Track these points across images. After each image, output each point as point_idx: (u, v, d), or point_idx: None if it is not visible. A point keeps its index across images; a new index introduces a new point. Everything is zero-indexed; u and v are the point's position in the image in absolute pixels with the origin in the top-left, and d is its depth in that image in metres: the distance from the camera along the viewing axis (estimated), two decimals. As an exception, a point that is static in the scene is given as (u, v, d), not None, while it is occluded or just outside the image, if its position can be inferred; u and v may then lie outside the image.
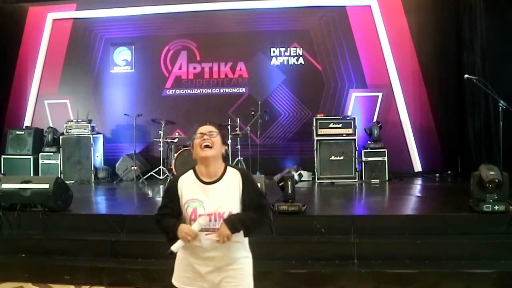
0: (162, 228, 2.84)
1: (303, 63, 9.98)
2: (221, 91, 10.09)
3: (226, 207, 2.75)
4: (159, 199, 7.47)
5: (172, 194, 2.86)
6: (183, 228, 2.69)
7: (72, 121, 9.61)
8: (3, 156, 9.55)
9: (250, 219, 2.78)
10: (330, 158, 8.73)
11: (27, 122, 10.61)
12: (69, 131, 9.48)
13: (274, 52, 10.04)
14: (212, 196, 2.78)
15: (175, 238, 2.72)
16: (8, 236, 5.75)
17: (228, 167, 2.89)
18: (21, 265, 5.25)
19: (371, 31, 9.73)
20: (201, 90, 10.14)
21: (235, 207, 2.78)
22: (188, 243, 2.69)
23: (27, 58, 10.76)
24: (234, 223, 2.70)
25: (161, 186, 8.52)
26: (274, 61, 10.01)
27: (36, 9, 10.80)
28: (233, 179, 2.84)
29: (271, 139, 9.81)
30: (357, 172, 8.73)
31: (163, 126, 9.12)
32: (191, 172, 2.87)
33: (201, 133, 2.82)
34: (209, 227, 2.72)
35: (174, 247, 2.69)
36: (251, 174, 3.03)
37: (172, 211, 2.84)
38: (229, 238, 2.68)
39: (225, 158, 2.94)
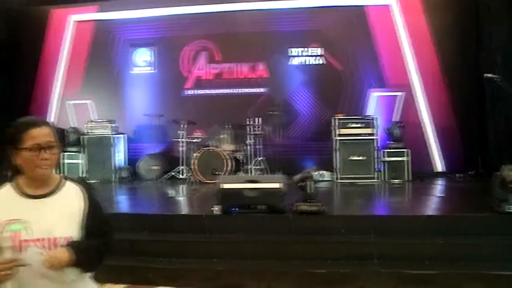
0: None
1: (322, 63, 9.95)
2: (241, 91, 10.10)
3: (61, 230, 2.04)
4: (179, 198, 7.56)
5: None
6: None
7: (94, 121, 9.76)
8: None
9: (96, 252, 2.13)
10: (350, 158, 8.69)
11: (49, 122, 10.74)
12: (91, 131, 9.62)
13: (293, 52, 10.03)
14: (42, 214, 2.03)
15: None
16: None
17: (64, 180, 2.18)
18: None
19: (390, 31, 9.67)
20: (220, 90, 10.16)
21: (74, 232, 2.07)
22: (9, 277, 1.92)
23: (49, 60, 10.91)
24: (78, 254, 2.01)
25: (182, 186, 8.59)
26: (293, 61, 10.01)
27: (58, 11, 10.95)
28: (72, 196, 2.14)
29: (290, 139, 9.78)
30: (377, 172, 8.68)
31: (183, 126, 9.19)
32: (7, 186, 2.10)
33: (37, 144, 2.02)
34: (35, 259, 1.97)
35: None
36: (97, 192, 2.29)
37: None
38: (61, 265, 1.96)
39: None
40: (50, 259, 1.94)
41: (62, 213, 2.07)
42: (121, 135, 9.95)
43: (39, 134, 2.04)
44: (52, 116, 10.81)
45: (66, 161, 9.58)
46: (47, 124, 2.11)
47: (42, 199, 2.07)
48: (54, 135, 2.10)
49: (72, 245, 2.02)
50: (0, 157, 2.16)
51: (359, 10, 9.79)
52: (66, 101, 10.81)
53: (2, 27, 10.74)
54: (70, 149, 9.63)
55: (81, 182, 2.24)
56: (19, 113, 9.29)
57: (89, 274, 2.18)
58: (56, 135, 2.13)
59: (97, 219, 2.16)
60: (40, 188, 2.08)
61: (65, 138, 9.78)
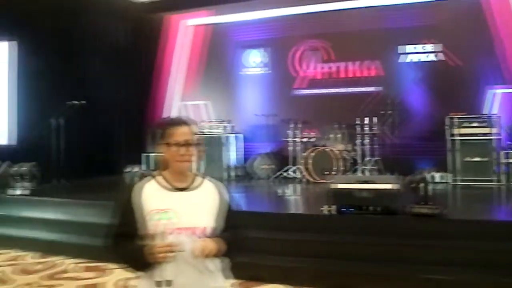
0: (122, 256, 2.27)
1: (436, 59, 9.58)
2: (352, 90, 10.01)
3: (203, 221, 2.23)
4: (290, 197, 7.66)
5: (125, 208, 2.24)
6: (153, 248, 2.08)
7: (209, 121, 10.16)
8: (145, 155, 10.35)
9: (235, 245, 2.31)
10: (467, 159, 8.30)
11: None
12: (206, 130, 10.01)
13: (406, 49, 9.75)
14: (185, 205, 2.23)
15: (144, 266, 2.15)
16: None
17: (201, 177, 2.38)
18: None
19: (511, 23, 9.07)
20: (332, 89, 10.14)
21: (213, 224, 2.26)
22: (169, 260, 2.09)
23: (170, 63, 11.57)
24: (224, 245, 2.20)
25: (293, 185, 8.70)
26: (406, 58, 9.73)
27: (176, 17, 11.58)
28: (210, 191, 2.34)
29: (404, 138, 9.45)
30: (498, 174, 8.19)
31: (295, 126, 9.30)
32: (150, 179, 2.31)
33: (176, 141, 2.22)
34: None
35: (167, 275, 2.12)
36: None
37: (127, 230, 2.21)
38: (210, 254, 2.15)
39: None
40: (202, 248, 2.13)
41: (202, 206, 2.27)
42: (235, 134, 10.25)
43: (179, 133, 2.24)
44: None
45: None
46: (187, 123, 2.30)
47: (184, 192, 2.28)
48: (193, 133, 2.29)
49: (219, 236, 2.23)
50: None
51: (475, 2, 9.27)
52: (184, 102, 11.38)
53: (122, 34, 11.59)
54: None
55: (217, 180, 2.42)
56: (139, 114, 10.00)
57: (222, 266, 2.33)
58: (197, 133, 2.33)
59: (231, 214, 2.35)
60: (181, 182, 2.29)
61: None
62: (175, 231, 2.16)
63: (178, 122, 2.29)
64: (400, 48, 9.77)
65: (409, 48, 9.73)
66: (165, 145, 2.24)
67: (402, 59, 9.76)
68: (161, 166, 2.33)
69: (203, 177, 2.39)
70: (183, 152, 2.22)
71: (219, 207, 2.31)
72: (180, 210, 2.20)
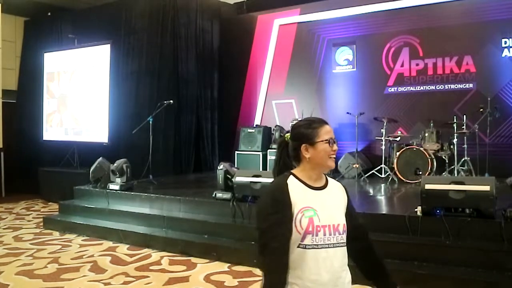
0: (272, 276, 2.16)
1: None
2: (446, 87, 9.58)
3: (339, 218, 2.29)
4: (380, 197, 7.48)
5: (283, 205, 2.21)
6: None
7: (297, 120, 10.14)
8: (236, 152, 10.56)
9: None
10: None
11: (257, 121, 11.54)
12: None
13: (506, 43, 9.18)
14: (323, 204, 2.28)
15: None
16: (240, 224, 6.37)
17: (325, 176, 2.44)
18: (251, 251, 5.69)
19: None
20: (424, 87, 9.77)
21: (345, 221, 2.31)
22: None
23: (257, 63, 11.74)
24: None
25: (383, 185, 8.50)
26: (506, 53, 9.16)
27: (264, 17, 11.70)
28: (338, 190, 2.42)
29: (502, 138, 8.98)
30: None
31: (385, 124, 9.08)
32: (291, 176, 2.32)
33: (330, 138, 2.30)
34: (323, 243, 2.21)
35: None
36: None
37: (287, 230, 2.18)
38: None
39: None
40: None
41: (335, 203, 2.35)
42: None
43: (330, 130, 2.33)
44: (259, 116, 11.57)
45: (270, 157, 10.12)
46: (327, 123, 2.39)
47: (320, 191, 2.33)
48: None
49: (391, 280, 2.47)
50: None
51: None
52: (272, 101, 11.50)
53: (216, 35, 11.89)
54: (275, 146, 10.14)
55: (336, 179, 2.49)
56: (232, 113, 10.23)
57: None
58: None
59: (354, 211, 2.47)
60: (317, 181, 2.34)
61: (271, 136, 10.39)
62: (318, 229, 2.21)
63: (323, 121, 2.37)
64: (501, 42, 9.18)
65: (509, 42, 9.15)
66: (318, 143, 2.29)
67: (503, 53, 9.18)
68: (295, 165, 2.38)
69: (327, 176, 2.44)
70: (335, 148, 2.32)
71: (344, 205, 2.40)
72: (319, 208, 2.26)
